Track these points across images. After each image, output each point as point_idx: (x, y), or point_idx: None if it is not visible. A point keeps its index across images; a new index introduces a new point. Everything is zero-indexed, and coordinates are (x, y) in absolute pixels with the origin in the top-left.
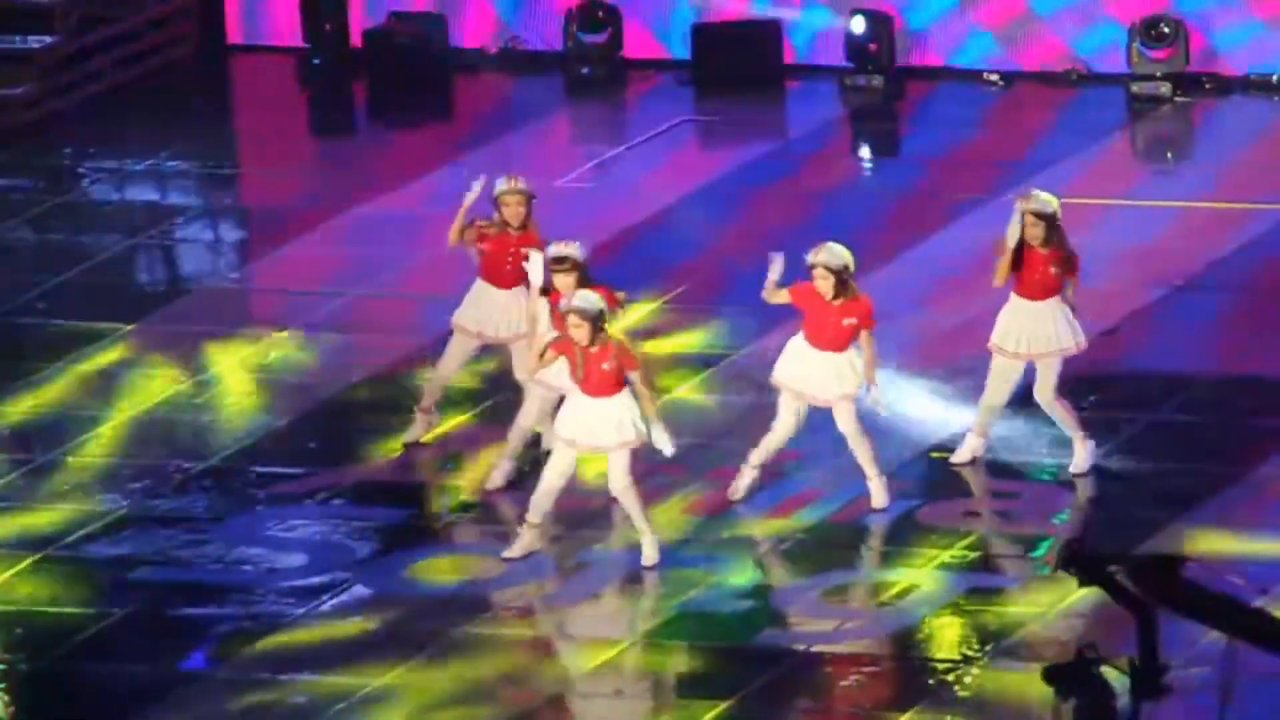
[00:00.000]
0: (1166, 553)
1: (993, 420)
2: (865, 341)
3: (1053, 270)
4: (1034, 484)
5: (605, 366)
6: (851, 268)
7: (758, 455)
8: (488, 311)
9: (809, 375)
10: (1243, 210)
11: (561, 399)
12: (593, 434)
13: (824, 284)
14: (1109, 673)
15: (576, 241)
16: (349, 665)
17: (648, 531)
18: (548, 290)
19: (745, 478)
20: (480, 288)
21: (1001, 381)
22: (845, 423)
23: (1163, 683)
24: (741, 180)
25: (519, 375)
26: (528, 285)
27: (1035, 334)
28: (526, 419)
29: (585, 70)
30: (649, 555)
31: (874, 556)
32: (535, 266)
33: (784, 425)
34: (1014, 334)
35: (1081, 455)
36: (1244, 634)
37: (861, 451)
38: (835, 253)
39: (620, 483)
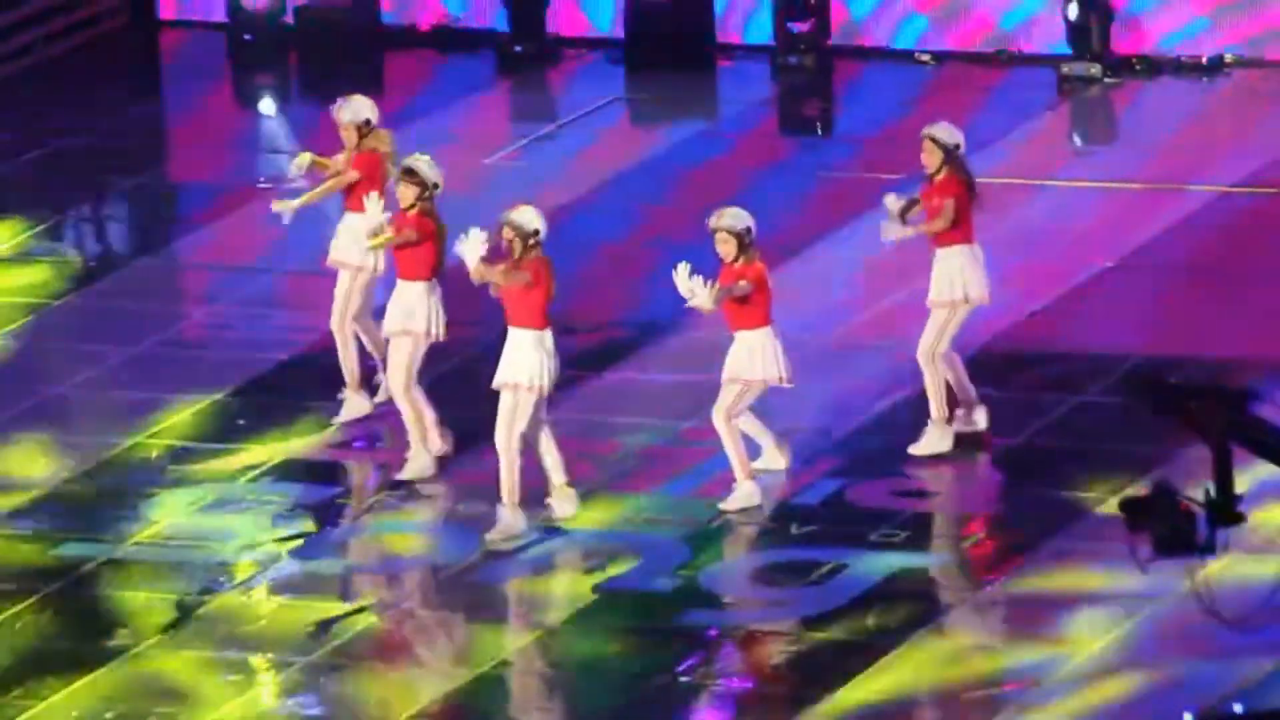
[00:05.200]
0: (1237, 387)
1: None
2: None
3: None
4: (960, 464)
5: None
6: (753, 230)
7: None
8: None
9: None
10: (1171, 191)
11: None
12: (502, 368)
13: (725, 247)
14: (1185, 502)
15: (428, 159)
16: (279, 642)
17: (507, 506)
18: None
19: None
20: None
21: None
22: (718, 407)
23: (1238, 510)
24: (672, 159)
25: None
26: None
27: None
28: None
29: (517, 48)
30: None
31: (802, 536)
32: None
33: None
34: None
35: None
36: None
37: (726, 443)
38: (738, 216)
39: (501, 432)
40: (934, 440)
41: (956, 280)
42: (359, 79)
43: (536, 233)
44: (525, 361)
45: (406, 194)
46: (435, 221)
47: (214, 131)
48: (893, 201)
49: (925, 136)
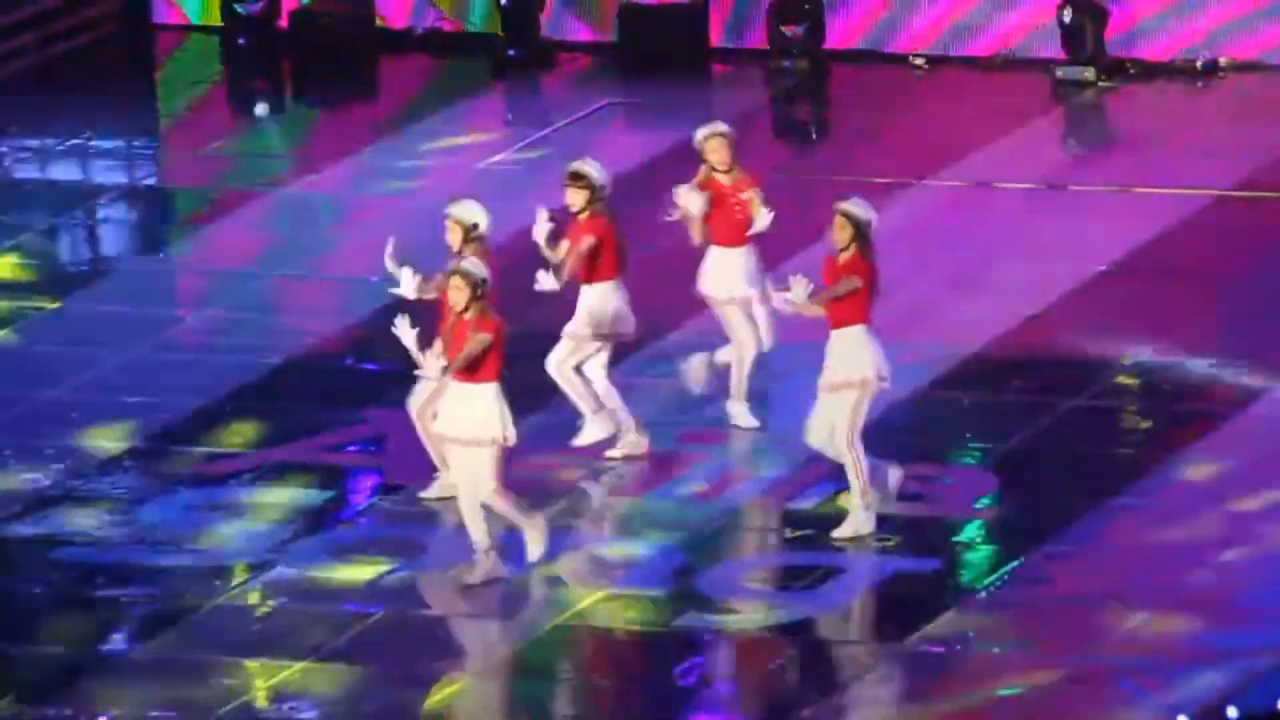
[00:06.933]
0: None
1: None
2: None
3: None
4: (956, 468)
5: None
6: (481, 227)
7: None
8: (727, 272)
9: None
10: (1165, 195)
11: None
12: (452, 423)
13: (451, 236)
14: None
15: (596, 162)
16: (271, 647)
17: (529, 527)
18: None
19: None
20: (716, 252)
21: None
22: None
23: None
24: (666, 163)
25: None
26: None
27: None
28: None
29: (511, 52)
30: (532, 551)
31: (796, 540)
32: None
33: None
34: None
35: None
36: None
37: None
38: (467, 210)
39: (485, 486)
40: (857, 522)
41: (861, 359)
42: (353, 83)
43: (485, 281)
44: (487, 416)
45: (576, 198)
46: (609, 220)
47: (208, 135)
48: (800, 288)
49: (838, 211)
